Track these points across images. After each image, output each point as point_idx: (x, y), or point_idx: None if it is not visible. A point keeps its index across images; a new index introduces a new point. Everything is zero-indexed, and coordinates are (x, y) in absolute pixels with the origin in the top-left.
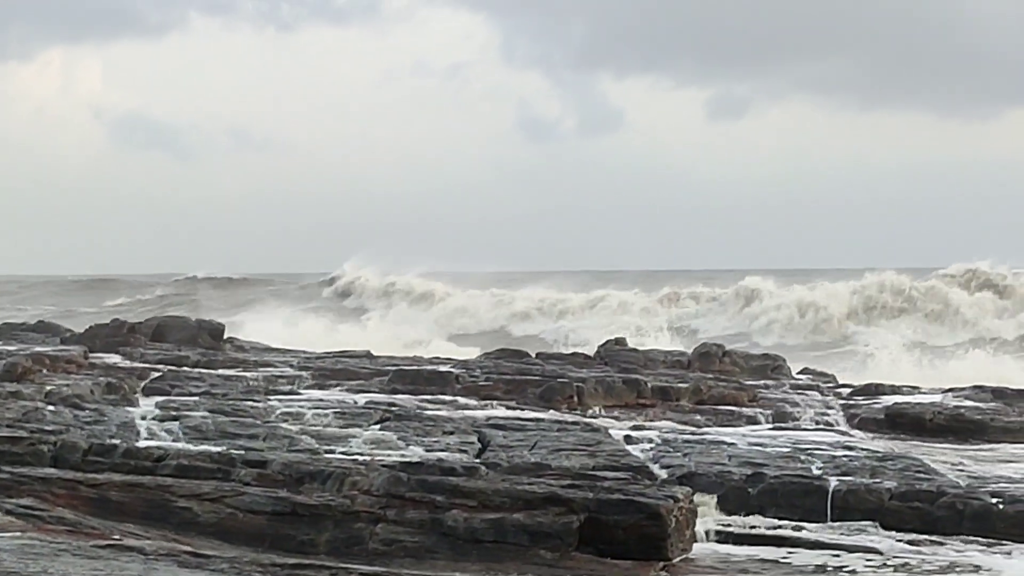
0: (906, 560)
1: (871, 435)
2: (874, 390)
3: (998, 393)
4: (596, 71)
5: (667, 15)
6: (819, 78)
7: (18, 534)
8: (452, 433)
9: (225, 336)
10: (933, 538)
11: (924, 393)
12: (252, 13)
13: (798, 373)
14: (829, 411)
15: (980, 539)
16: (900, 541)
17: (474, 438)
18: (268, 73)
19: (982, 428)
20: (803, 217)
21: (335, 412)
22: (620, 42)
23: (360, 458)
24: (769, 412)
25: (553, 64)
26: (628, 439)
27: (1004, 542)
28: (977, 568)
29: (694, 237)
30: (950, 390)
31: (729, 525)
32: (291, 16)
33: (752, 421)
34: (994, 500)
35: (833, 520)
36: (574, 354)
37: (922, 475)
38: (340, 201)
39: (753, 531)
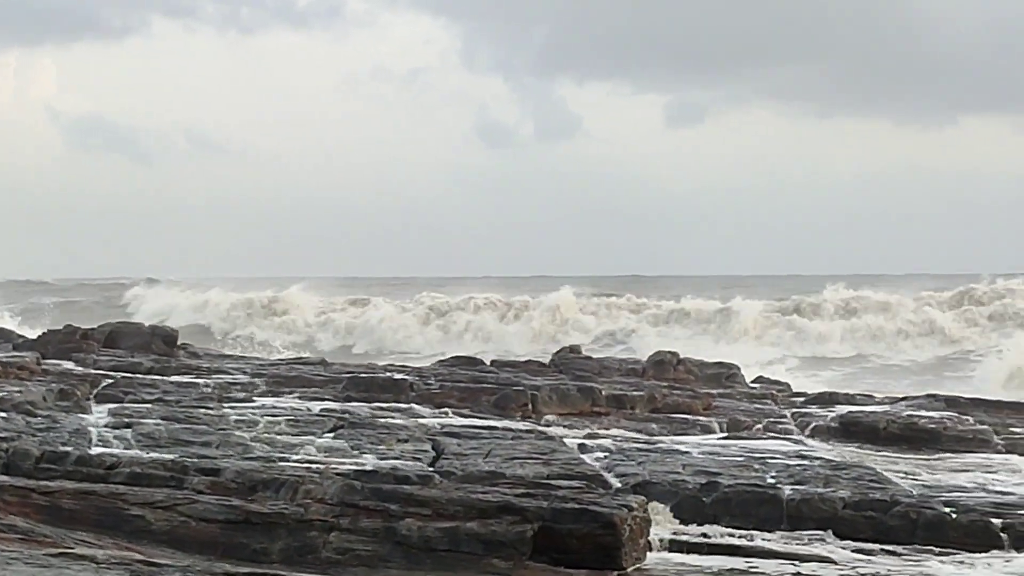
0: (859, 569)
1: (825, 444)
2: (828, 398)
3: (951, 402)
4: (556, 77)
5: (628, 21)
6: (778, 85)
7: None
8: (406, 441)
9: (179, 343)
10: (886, 547)
11: (878, 402)
12: (214, 16)
13: (752, 381)
14: (783, 419)
15: (933, 548)
16: (853, 550)
17: (428, 446)
18: (228, 77)
19: (935, 437)
20: (760, 223)
21: (288, 420)
22: (581, 48)
23: (314, 466)
24: (723, 421)
25: (513, 69)
26: (582, 448)
27: (957, 551)
28: None
29: (650, 243)
30: (904, 399)
31: (683, 534)
32: (252, 20)
33: (706, 430)
34: (947, 509)
35: (787, 529)
36: (528, 362)
37: (875, 484)
38: (297, 206)
39: (707, 540)
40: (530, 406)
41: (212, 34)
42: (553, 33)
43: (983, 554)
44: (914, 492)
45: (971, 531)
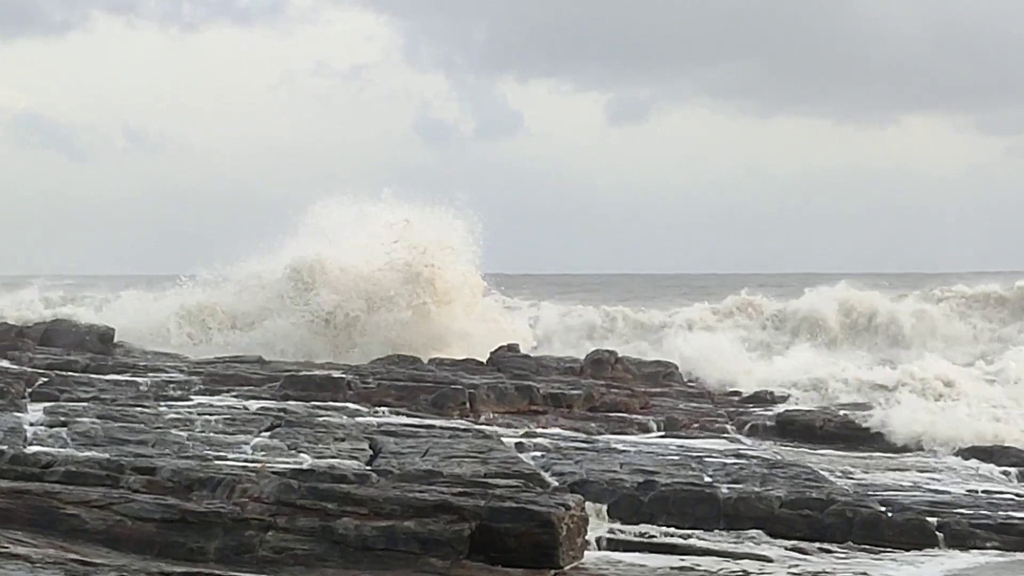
0: (795, 568)
1: (762, 442)
2: (765, 397)
3: None
4: (499, 74)
5: (571, 19)
6: (720, 83)
7: None
8: (343, 440)
9: (114, 340)
10: (822, 545)
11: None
12: (155, 12)
13: (689, 380)
14: (720, 418)
15: (869, 547)
16: (789, 549)
17: (365, 445)
18: (169, 73)
19: (872, 436)
20: (699, 221)
21: (225, 418)
22: (523, 45)
23: (251, 465)
24: (661, 419)
25: (456, 67)
26: (520, 446)
27: (892, 550)
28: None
29: (587, 240)
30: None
31: (621, 533)
32: (194, 16)
33: (644, 428)
34: (883, 508)
35: (724, 528)
36: (466, 360)
37: (812, 483)
38: (235, 202)
39: (644, 539)
40: (468, 405)
41: (154, 30)
42: (496, 30)
43: (918, 552)
44: (850, 491)
45: (906, 530)
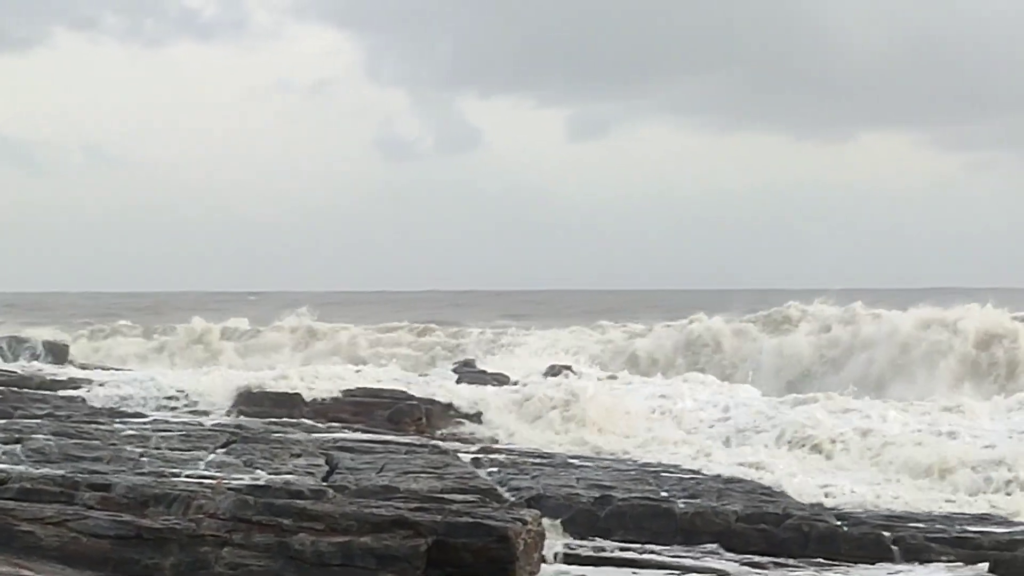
0: None
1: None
2: None
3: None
4: (461, 90)
5: (534, 36)
6: (680, 99)
7: None
8: (299, 456)
9: (69, 357)
10: (778, 560)
11: None
12: (117, 28)
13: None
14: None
15: (824, 561)
16: (746, 563)
17: (321, 461)
18: (130, 89)
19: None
20: (657, 237)
21: (180, 434)
22: (485, 62)
23: (206, 481)
24: None
25: (418, 83)
26: (476, 461)
27: (848, 564)
28: None
29: (545, 257)
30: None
31: (578, 548)
32: (156, 32)
33: None
34: (839, 522)
35: (680, 542)
36: (421, 375)
37: (767, 498)
38: (196, 219)
39: (601, 554)
40: (424, 420)
41: (116, 46)
42: (458, 47)
43: (874, 566)
44: (806, 505)
45: (862, 544)
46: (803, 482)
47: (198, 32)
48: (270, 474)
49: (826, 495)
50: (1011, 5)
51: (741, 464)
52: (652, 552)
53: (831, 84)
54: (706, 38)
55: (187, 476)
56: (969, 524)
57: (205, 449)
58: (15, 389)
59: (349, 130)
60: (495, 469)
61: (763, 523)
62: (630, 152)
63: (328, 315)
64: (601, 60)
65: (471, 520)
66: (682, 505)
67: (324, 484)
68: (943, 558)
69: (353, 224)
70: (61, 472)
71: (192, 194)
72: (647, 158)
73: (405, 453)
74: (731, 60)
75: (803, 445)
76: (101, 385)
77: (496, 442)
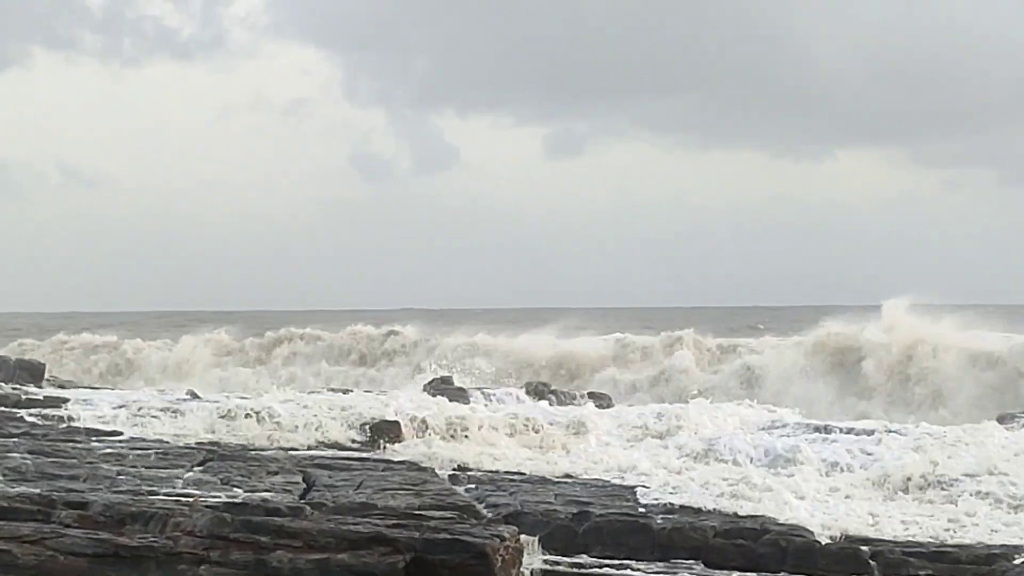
0: None
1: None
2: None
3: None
4: (438, 109)
5: (510, 53)
6: (657, 117)
7: None
8: (276, 473)
9: (45, 376)
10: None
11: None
12: (95, 48)
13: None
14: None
15: None
16: None
17: (299, 478)
18: (107, 109)
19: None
20: (633, 255)
21: (157, 452)
22: (463, 80)
23: (183, 499)
24: None
25: (394, 102)
26: (454, 478)
27: None
28: None
29: (521, 275)
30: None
31: (556, 564)
32: (134, 51)
33: None
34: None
35: (658, 558)
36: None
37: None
38: (170, 238)
39: (579, 570)
40: (402, 435)
41: (95, 65)
42: (435, 65)
43: None
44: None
45: (840, 558)
46: None
47: (176, 51)
48: (247, 492)
49: None
50: (987, 22)
51: None
52: (630, 568)
53: (807, 102)
54: (682, 56)
55: (164, 494)
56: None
57: (182, 467)
58: None
59: (326, 149)
60: (472, 486)
61: (740, 538)
62: (607, 169)
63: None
64: (578, 78)
65: (449, 536)
66: (660, 520)
67: (301, 501)
68: (921, 572)
69: (329, 243)
70: (38, 490)
71: (167, 213)
72: (624, 175)
73: (383, 470)
74: (707, 78)
75: None
76: (83, 403)
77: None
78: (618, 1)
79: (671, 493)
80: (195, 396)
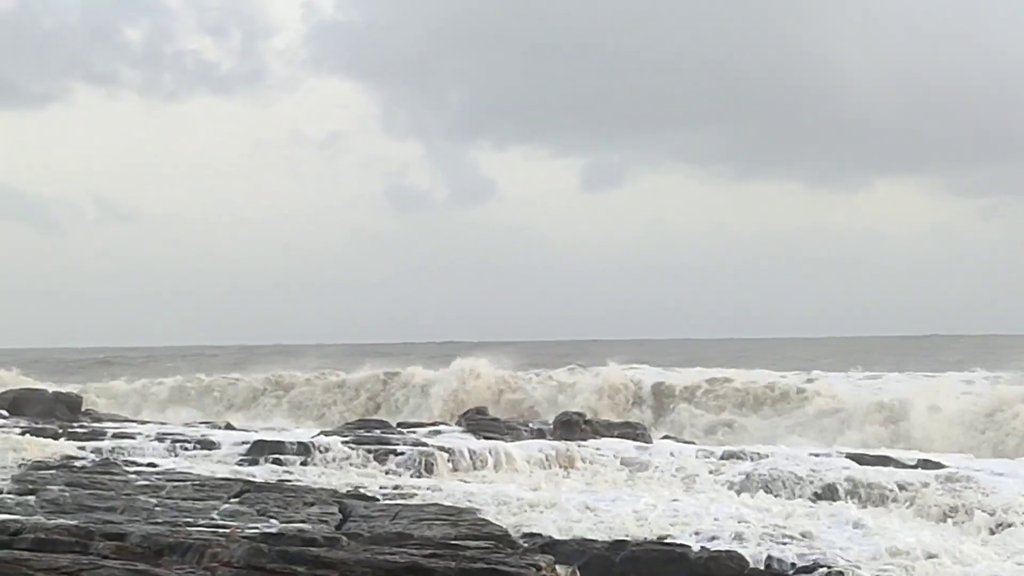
0: None
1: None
2: (736, 454)
3: (856, 458)
4: (475, 141)
5: (547, 85)
6: (693, 148)
7: None
8: (312, 504)
9: (83, 408)
10: None
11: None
12: (135, 82)
13: (660, 439)
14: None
15: None
16: None
17: (335, 508)
18: (145, 143)
19: (844, 492)
20: (668, 286)
21: (194, 484)
22: (500, 112)
23: (220, 530)
24: None
25: (431, 134)
26: (492, 508)
27: None
28: None
29: (558, 306)
30: (813, 454)
31: None
32: (174, 85)
33: None
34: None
35: None
36: (435, 423)
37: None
38: (207, 272)
39: None
40: (438, 466)
41: (135, 100)
42: (472, 97)
43: None
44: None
45: None
46: None
47: (216, 85)
48: (283, 523)
49: None
50: (1020, 49)
51: None
52: None
53: (843, 131)
54: (718, 86)
55: (201, 525)
56: None
57: (219, 498)
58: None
59: (362, 181)
60: (510, 515)
61: (779, 570)
62: (644, 201)
63: (347, 367)
64: (615, 109)
65: (485, 566)
66: (697, 549)
67: (338, 532)
68: None
69: (366, 275)
70: (75, 522)
71: (202, 247)
72: (661, 207)
73: (420, 499)
74: (743, 108)
75: None
76: (115, 436)
77: None
78: (654, 32)
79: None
80: (230, 427)
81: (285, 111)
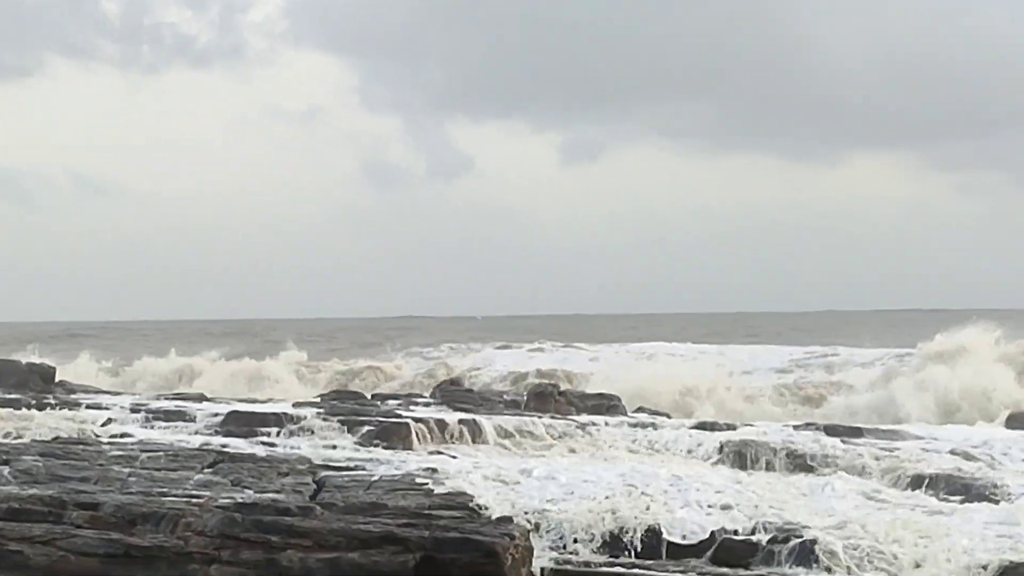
0: None
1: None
2: (710, 427)
3: (830, 430)
4: (453, 115)
5: (526, 60)
6: (671, 123)
7: None
8: (287, 475)
9: (56, 379)
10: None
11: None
12: (114, 56)
13: (634, 411)
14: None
15: None
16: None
17: (309, 479)
18: (122, 117)
19: (816, 463)
20: (648, 260)
21: (168, 454)
22: (478, 87)
23: (194, 499)
24: None
25: (409, 109)
26: (466, 478)
27: None
28: None
29: (535, 281)
30: (787, 426)
31: (565, 563)
32: (152, 58)
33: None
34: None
35: (668, 556)
36: (409, 395)
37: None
38: (184, 247)
39: (589, 568)
40: (411, 438)
41: (113, 73)
42: (450, 72)
43: None
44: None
45: None
46: None
47: (193, 59)
48: (258, 493)
49: None
50: (1002, 25)
51: None
52: (639, 567)
53: (821, 106)
54: (697, 61)
55: (175, 495)
56: None
57: (192, 469)
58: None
59: (341, 156)
60: (483, 485)
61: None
62: (622, 175)
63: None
64: (593, 84)
65: (459, 535)
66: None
67: (312, 502)
68: None
69: (343, 250)
70: (49, 492)
71: (179, 221)
72: (639, 181)
73: (393, 470)
74: (722, 83)
75: None
76: (89, 407)
77: None
78: (632, 7)
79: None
80: (204, 398)
81: (263, 85)
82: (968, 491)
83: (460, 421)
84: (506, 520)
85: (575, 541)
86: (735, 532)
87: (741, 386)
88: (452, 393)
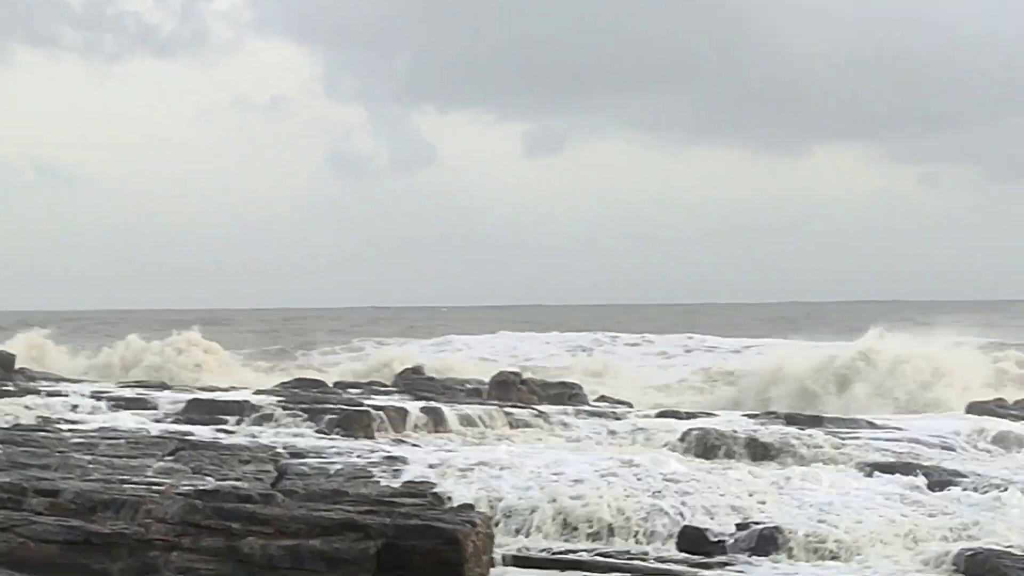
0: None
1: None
2: (672, 415)
3: (790, 419)
4: (418, 105)
5: (491, 51)
6: (637, 114)
7: None
8: (248, 462)
9: (16, 366)
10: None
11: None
12: (77, 44)
13: (595, 400)
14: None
15: None
16: (694, 564)
17: (271, 467)
18: (87, 106)
19: (777, 451)
20: (609, 251)
21: (129, 441)
22: (443, 77)
23: (155, 487)
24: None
25: (375, 99)
26: (426, 466)
27: None
28: None
29: (495, 271)
30: (746, 415)
31: (526, 550)
32: (116, 47)
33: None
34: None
35: (630, 544)
36: (371, 383)
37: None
38: (149, 236)
39: (550, 556)
40: (373, 426)
41: (77, 62)
42: (416, 62)
43: None
44: None
45: None
46: None
47: (157, 48)
48: (219, 480)
49: None
50: (966, 19)
51: None
52: (602, 554)
53: (786, 98)
54: (662, 53)
55: (135, 482)
56: None
57: (153, 456)
58: None
59: (305, 146)
60: (445, 473)
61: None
62: (586, 167)
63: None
64: (558, 75)
65: (421, 522)
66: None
67: (273, 489)
68: None
69: (306, 241)
70: (8, 479)
71: (143, 211)
72: (603, 173)
73: (355, 458)
74: (687, 75)
75: None
76: (49, 394)
77: None
78: (602, 0)
79: None
80: (165, 386)
81: (228, 74)
82: (930, 478)
83: (422, 409)
84: (467, 507)
85: (537, 529)
86: (696, 520)
87: None
88: (414, 382)
